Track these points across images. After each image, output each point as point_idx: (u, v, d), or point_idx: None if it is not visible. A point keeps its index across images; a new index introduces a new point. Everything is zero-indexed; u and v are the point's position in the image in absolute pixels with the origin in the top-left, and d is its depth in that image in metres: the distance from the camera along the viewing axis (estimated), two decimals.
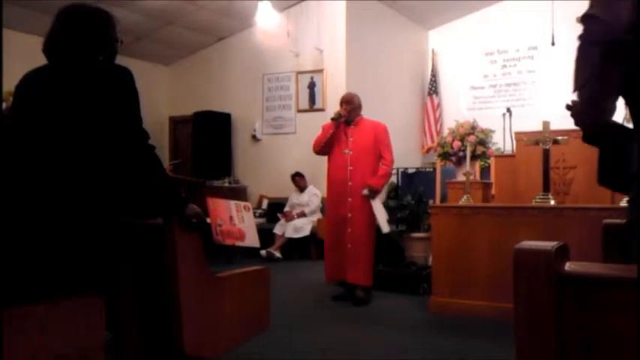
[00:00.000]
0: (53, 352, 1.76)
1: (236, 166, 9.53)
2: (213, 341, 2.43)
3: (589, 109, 1.41)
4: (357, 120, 5.04)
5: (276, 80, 9.18)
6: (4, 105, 5.09)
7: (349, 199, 4.89)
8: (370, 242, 4.96)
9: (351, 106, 5.01)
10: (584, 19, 1.37)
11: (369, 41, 8.92)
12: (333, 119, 4.99)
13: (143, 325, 2.23)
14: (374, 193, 4.92)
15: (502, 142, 7.28)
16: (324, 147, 5.04)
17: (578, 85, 1.39)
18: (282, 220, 7.92)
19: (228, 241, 2.65)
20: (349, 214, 4.89)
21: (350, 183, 4.90)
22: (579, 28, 1.39)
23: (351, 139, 4.97)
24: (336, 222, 4.96)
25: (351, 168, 4.91)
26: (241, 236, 2.72)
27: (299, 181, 8.13)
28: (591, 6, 1.36)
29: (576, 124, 1.47)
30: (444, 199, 6.43)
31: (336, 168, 5.00)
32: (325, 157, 5.16)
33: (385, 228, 4.99)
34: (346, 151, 4.95)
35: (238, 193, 8.94)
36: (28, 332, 1.69)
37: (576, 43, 1.39)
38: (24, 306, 1.71)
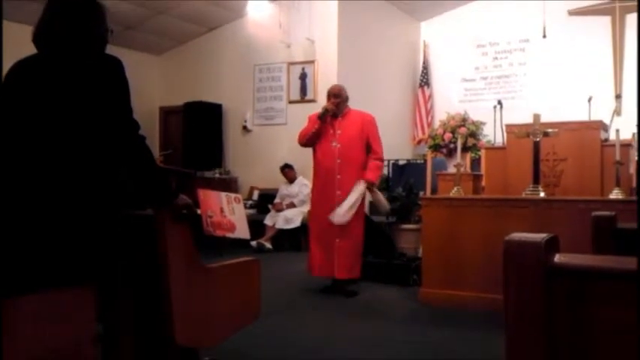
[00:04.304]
0: (45, 344, 1.76)
1: (227, 157, 9.50)
2: (204, 332, 2.43)
3: None
4: (344, 112, 5.01)
5: (267, 71, 9.15)
6: None
7: (338, 192, 4.86)
8: (359, 235, 4.95)
9: (339, 99, 4.98)
10: None
11: (360, 32, 8.90)
12: (319, 117, 4.94)
13: (134, 316, 2.23)
14: (373, 186, 4.98)
15: (493, 134, 7.30)
16: (310, 140, 5.02)
17: None
18: (273, 211, 7.92)
19: (219, 233, 2.64)
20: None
21: (339, 176, 4.87)
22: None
23: (338, 131, 4.94)
24: (323, 215, 4.88)
25: (339, 161, 4.88)
26: (232, 228, 2.71)
27: (288, 172, 8.12)
28: None
29: None
30: (434, 190, 6.45)
31: (323, 161, 4.96)
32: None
33: (386, 206, 5.16)
34: (334, 143, 4.92)
35: (229, 184, 8.92)
36: (20, 324, 1.69)
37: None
38: (17, 297, 1.70)
